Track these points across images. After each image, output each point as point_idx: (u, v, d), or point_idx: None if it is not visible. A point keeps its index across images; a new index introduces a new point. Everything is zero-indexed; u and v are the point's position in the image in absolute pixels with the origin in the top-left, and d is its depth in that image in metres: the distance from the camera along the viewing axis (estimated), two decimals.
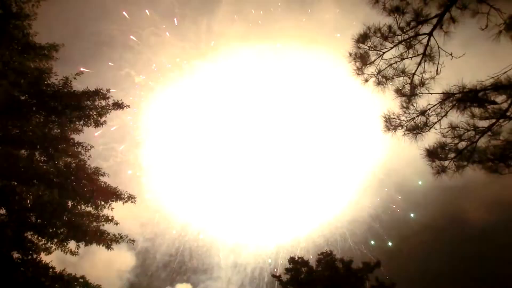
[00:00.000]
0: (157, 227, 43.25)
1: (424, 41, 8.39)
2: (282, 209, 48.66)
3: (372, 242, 46.83)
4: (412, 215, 45.18)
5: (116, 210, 14.29)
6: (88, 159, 14.17)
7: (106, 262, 28.59)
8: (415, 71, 8.56)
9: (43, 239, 13.26)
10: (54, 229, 13.29)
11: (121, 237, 14.05)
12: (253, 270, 45.70)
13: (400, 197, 46.60)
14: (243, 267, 45.48)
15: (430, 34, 8.27)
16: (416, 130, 8.56)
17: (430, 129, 8.49)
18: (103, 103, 14.05)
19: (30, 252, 13.00)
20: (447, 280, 35.54)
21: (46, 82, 13.27)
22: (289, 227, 48.31)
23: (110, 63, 44.29)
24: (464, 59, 8.30)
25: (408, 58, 8.61)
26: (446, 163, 8.41)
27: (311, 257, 45.83)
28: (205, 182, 48.47)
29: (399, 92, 8.67)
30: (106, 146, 44.18)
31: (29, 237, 13.17)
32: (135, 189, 43.41)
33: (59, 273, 13.00)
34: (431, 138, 8.54)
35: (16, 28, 12.26)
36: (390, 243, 45.68)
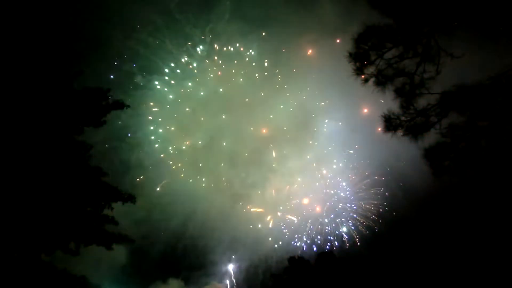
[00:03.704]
0: (153, 225, 43.15)
1: (424, 41, 8.38)
2: (280, 206, 48.64)
3: None
4: None
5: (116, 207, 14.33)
6: (88, 159, 14.18)
7: (98, 258, 28.35)
8: (415, 71, 8.54)
9: (44, 239, 13.29)
10: (55, 229, 13.32)
11: (121, 237, 14.07)
12: (248, 268, 45.63)
13: None
14: (238, 265, 45.45)
15: (430, 34, 8.27)
16: (416, 130, 8.55)
17: (430, 129, 8.49)
18: (103, 103, 14.08)
19: (31, 251, 13.03)
20: None
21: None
22: (287, 225, 48.25)
23: (110, 63, 44.18)
24: (464, 59, 8.30)
25: (408, 58, 8.59)
26: (446, 163, 8.42)
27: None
28: (205, 180, 48.50)
29: (399, 92, 8.66)
30: (106, 145, 44.01)
31: (29, 236, 13.19)
32: (135, 188, 43.36)
33: (61, 272, 13.05)
34: (431, 138, 8.55)
35: None
36: None
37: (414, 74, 8.55)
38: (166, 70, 48.47)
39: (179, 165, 49.21)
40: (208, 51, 48.17)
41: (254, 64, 48.92)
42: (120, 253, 35.19)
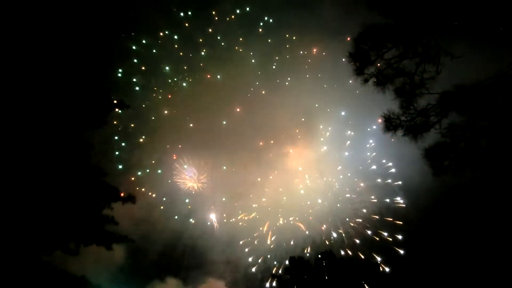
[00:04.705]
0: (152, 224, 42.79)
1: (424, 41, 8.39)
2: (280, 206, 48.19)
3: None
4: None
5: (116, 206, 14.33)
6: (89, 159, 14.18)
7: (97, 257, 28.03)
8: (415, 71, 8.55)
9: (44, 239, 13.30)
10: (55, 229, 13.32)
11: (121, 237, 14.07)
12: (247, 268, 45.37)
13: None
14: (236, 264, 45.17)
15: (430, 34, 8.27)
16: (416, 130, 8.55)
17: (430, 129, 8.49)
18: (103, 103, 14.09)
19: (31, 251, 13.03)
20: None
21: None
22: (286, 225, 47.78)
23: (110, 63, 43.36)
24: (464, 59, 8.30)
25: (408, 58, 8.60)
26: (446, 163, 8.42)
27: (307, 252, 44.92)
28: (204, 180, 48.16)
29: (399, 92, 8.67)
30: (107, 145, 43.58)
31: (29, 236, 13.19)
32: (135, 188, 43.04)
33: (60, 272, 13.06)
34: (431, 138, 8.55)
35: None
36: None
37: (414, 74, 8.56)
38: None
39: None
40: (208, 51, 46.72)
41: (255, 61, 47.37)
42: (118, 252, 35.10)
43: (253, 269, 45.02)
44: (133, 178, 42.47)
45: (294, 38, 45.08)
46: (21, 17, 12.91)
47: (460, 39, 8.33)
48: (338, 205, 46.62)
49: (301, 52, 46.19)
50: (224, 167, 46.07)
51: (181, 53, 44.07)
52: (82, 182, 13.64)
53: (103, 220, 13.96)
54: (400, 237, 42.81)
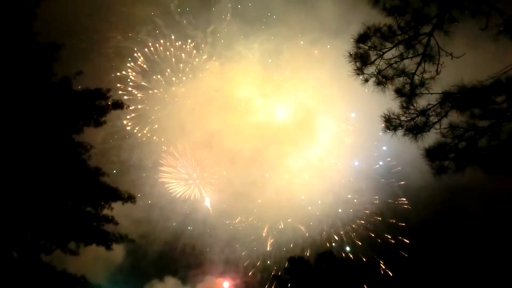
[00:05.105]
0: (151, 224, 42.68)
1: (424, 41, 8.39)
2: (279, 209, 47.82)
3: None
4: None
5: (116, 206, 14.32)
6: (88, 159, 14.17)
7: (93, 256, 27.91)
8: (415, 71, 8.55)
9: (43, 239, 13.30)
10: (54, 229, 13.32)
11: (121, 237, 14.04)
12: (246, 268, 45.27)
13: None
14: (235, 264, 45.03)
15: (430, 34, 8.27)
16: (416, 130, 8.55)
17: (430, 129, 8.49)
18: (103, 103, 14.07)
19: (31, 251, 13.03)
20: None
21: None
22: (286, 228, 47.45)
23: (110, 63, 43.37)
24: (464, 59, 8.30)
25: (408, 58, 8.60)
26: (446, 163, 8.42)
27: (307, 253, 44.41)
28: (204, 180, 48.05)
29: (399, 92, 8.67)
30: (107, 145, 43.58)
31: (29, 236, 13.20)
32: (135, 188, 42.97)
33: (60, 273, 13.04)
34: (431, 138, 8.55)
35: None
36: None
37: (414, 74, 8.56)
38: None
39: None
40: (209, 52, 46.42)
41: (255, 61, 47.09)
42: (118, 252, 35.15)
43: (252, 271, 45.02)
44: (130, 181, 42.67)
45: (299, 35, 45.10)
46: (18, 16, 12.92)
47: (460, 39, 8.34)
48: (340, 210, 46.12)
49: (302, 46, 46.21)
50: (224, 173, 46.05)
51: (179, 52, 44.87)
52: (81, 182, 13.63)
53: (103, 220, 13.95)
54: (401, 238, 42.59)
